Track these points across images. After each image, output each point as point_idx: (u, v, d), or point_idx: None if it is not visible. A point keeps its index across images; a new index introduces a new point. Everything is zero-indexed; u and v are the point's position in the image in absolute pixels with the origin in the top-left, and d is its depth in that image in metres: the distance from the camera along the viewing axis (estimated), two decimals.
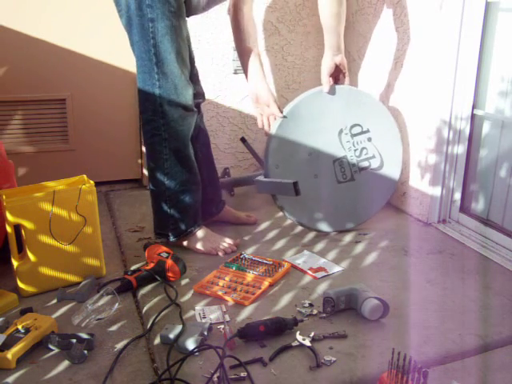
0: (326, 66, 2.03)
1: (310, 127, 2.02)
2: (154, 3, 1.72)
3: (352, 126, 2.09)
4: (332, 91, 2.04)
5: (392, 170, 2.18)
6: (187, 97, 1.85)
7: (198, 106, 2.09)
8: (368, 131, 2.11)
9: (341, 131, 2.07)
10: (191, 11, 1.92)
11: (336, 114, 2.06)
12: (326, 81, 2.03)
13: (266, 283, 1.73)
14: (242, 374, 1.31)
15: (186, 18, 1.97)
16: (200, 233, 1.99)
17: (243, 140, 2.30)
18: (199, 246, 1.97)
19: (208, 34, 2.58)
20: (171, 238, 1.97)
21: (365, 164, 2.12)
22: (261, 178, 2.02)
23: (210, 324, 1.48)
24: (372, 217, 2.19)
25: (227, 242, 1.99)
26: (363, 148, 2.11)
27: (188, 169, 1.92)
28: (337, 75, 2.09)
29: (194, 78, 2.04)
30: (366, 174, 2.13)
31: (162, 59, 1.77)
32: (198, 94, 2.08)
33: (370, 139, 2.11)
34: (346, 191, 2.10)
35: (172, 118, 1.83)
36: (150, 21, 1.74)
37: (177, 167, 1.89)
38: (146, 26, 1.74)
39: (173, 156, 1.88)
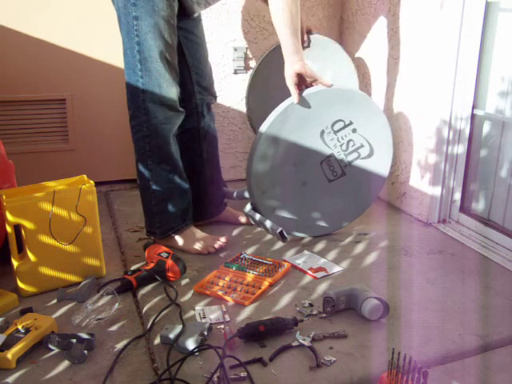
0: (287, 76, 1.85)
1: (289, 141, 1.94)
2: (138, 2, 1.74)
3: (333, 124, 1.98)
4: (303, 102, 1.88)
5: (384, 154, 2.10)
6: (171, 95, 1.85)
7: (208, 105, 2.10)
8: (351, 123, 2.00)
9: (322, 132, 1.98)
10: (189, 10, 1.90)
11: (314, 119, 1.94)
12: (293, 92, 1.86)
13: (265, 283, 1.73)
14: (242, 374, 1.31)
15: (200, 17, 1.99)
16: (190, 234, 1.99)
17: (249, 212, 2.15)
18: (189, 246, 1.97)
19: (208, 33, 2.58)
20: (158, 236, 1.97)
21: (354, 155, 2.05)
22: (249, 209, 1.98)
23: (210, 324, 1.48)
24: (371, 210, 2.18)
25: (216, 239, 1.99)
26: (349, 140, 2.03)
27: (171, 167, 1.92)
28: (310, 83, 1.90)
29: (206, 75, 2.06)
30: (357, 164, 2.07)
31: (146, 57, 1.79)
32: (210, 93, 2.09)
33: (354, 130, 2.02)
34: (338, 188, 2.06)
35: (154, 115, 1.84)
36: (134, 19, 1.76)
37: (160, 165, 1.90)
38: (131, 23, 1.77)
39: (155, 153, 1.89)
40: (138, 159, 1.93)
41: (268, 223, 1.94)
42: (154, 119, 1.85)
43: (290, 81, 1.85)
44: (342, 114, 1.99)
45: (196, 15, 1.97)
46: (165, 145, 1.90)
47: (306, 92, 1.89)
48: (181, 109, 1.91)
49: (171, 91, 1.85)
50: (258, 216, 1.95)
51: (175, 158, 1.94)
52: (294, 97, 1.87)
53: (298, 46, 1.82)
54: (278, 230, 1.90)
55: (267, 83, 2.38)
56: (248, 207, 1.98)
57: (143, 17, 1.75)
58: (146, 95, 1.82)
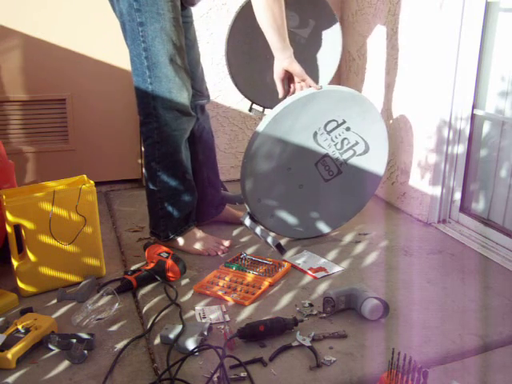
0: (275, 71, 1.87)
1: (282, 147, 1.91)
2: (142, 7, 1.72)
3: (326, 124, 1.95)
4: (294, 106, 1.85)
5: (379, 149, 2.08)
6: (182, 100, 1.84)
7: (202, 107, 2.09)
8: (344, 122, 1.97)
9: (315, 134, 1.95)
10: (189, 1, 1.90)
11: (305, 122, 1.91)
12: (279, 87, 1.89)
13: (265, 283, 1.73)
14: (242, 374, 1.31)
15: (191, 9, 1.96)
16: (191, 234, 1.99)
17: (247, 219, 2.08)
18: (190, 246, 1.97)
19: (208, 33, 2.59)
20: (161, 238, 1.98)
21: (349, 153, 2.03)
22: (246, 218, 1.97)
23: (210, 324, 1.48)
24: (371, 210, 2.17)
25: (219, 242, 1.99)
26: (344, 139, 2.00)
27: (179, 174, 1.92)
28: (299, 83, 1.89)
29: (198, 78, 2.04)
30: (352, 162, 2.05)
31: (154, 62, 1.77)
32: (203, 95, 2.08)
33: (348, 129, 1.99)
34: (336, 187, 2.05)
35: (165, 122, 1.83)
36: (139, 25, 1.74)
37: (167, 171, 1.90)
38: (136, 30, 1.75)
39: (164, 160, 1.88)
40: (146, 164, 1.93)
41: (264, 236, 1.94)
42: (165, 126, 1.84)
43: (277, 76, 1.87)
44: (334, 114, 1.96)
45: (198, 3, 1.94)
46: (175, 152, 1.89)
47: (296, 96, 1.86)
48: (193, 113, 1.90)
49: (182, 96, 1.83)
50: (258, 230, 1.96)
51: (184, 165, 1.93)
52: (279, 92, 1.89)
53: (285, 44, 1.81)
54: (275, 244, 1.91)
55: (246, 35, 2.18)
56: (248, 221, 1.97)
57: (148, 22, 1.73)
58: (157, 102, 1.81)
